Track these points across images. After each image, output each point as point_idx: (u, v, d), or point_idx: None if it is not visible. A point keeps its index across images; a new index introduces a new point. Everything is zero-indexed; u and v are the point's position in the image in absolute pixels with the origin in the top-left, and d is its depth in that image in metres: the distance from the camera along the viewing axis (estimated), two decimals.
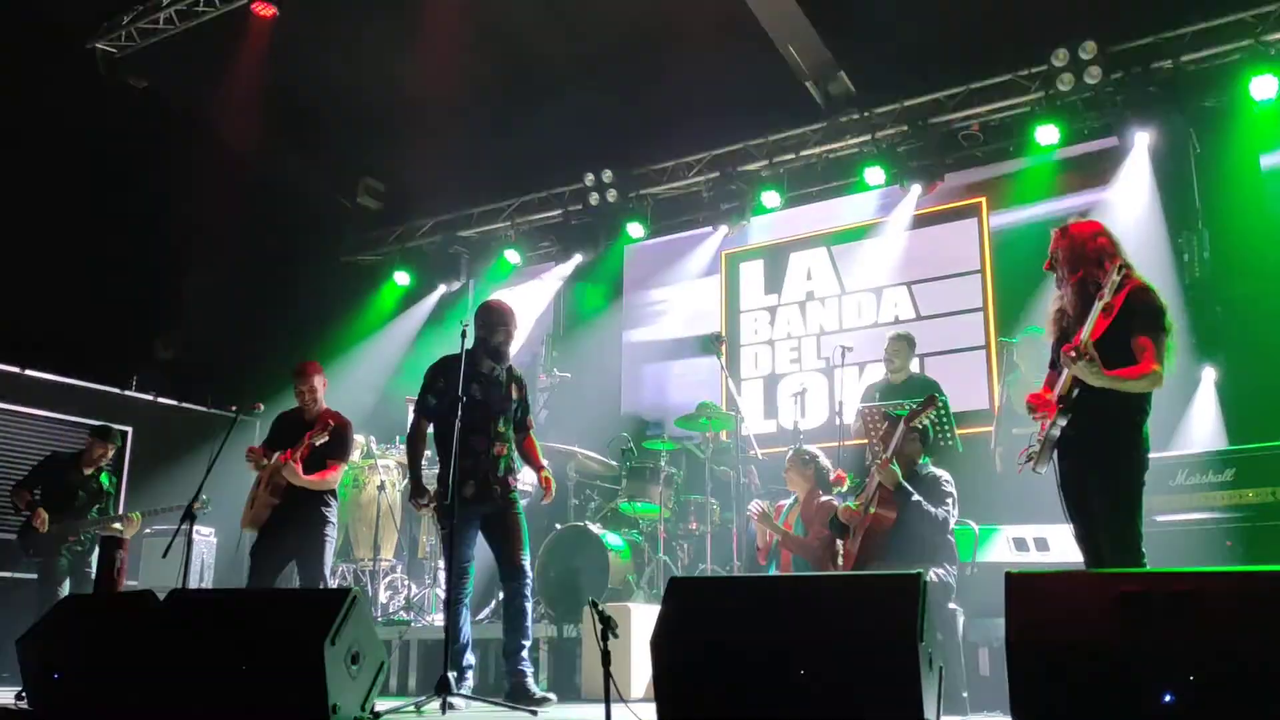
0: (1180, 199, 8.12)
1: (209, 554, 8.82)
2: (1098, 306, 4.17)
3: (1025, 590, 3.21)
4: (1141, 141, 8.22)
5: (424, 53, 8.95)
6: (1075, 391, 4.19)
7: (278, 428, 6.63)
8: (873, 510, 5.77)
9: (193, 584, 7.93)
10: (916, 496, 5.71)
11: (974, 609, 5.84)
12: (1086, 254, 4.40)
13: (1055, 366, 4.50)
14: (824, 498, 6.63)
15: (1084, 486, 4.27)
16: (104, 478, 8.26)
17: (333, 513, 6.51)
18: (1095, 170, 8.58)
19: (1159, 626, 3.02)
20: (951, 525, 5.85)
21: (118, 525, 7.90)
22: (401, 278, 11.65)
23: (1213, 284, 7.73)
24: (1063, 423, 4.22)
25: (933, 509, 5.70)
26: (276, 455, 6.36)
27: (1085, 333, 4.12)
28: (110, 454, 8.28)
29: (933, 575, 5.64)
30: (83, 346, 9.71)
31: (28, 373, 9.40)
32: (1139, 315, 4.20)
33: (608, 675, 3.60)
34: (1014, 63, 8.70)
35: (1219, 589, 3.06)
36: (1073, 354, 4.07)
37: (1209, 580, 3.10)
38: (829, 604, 3.42)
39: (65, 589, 7.75)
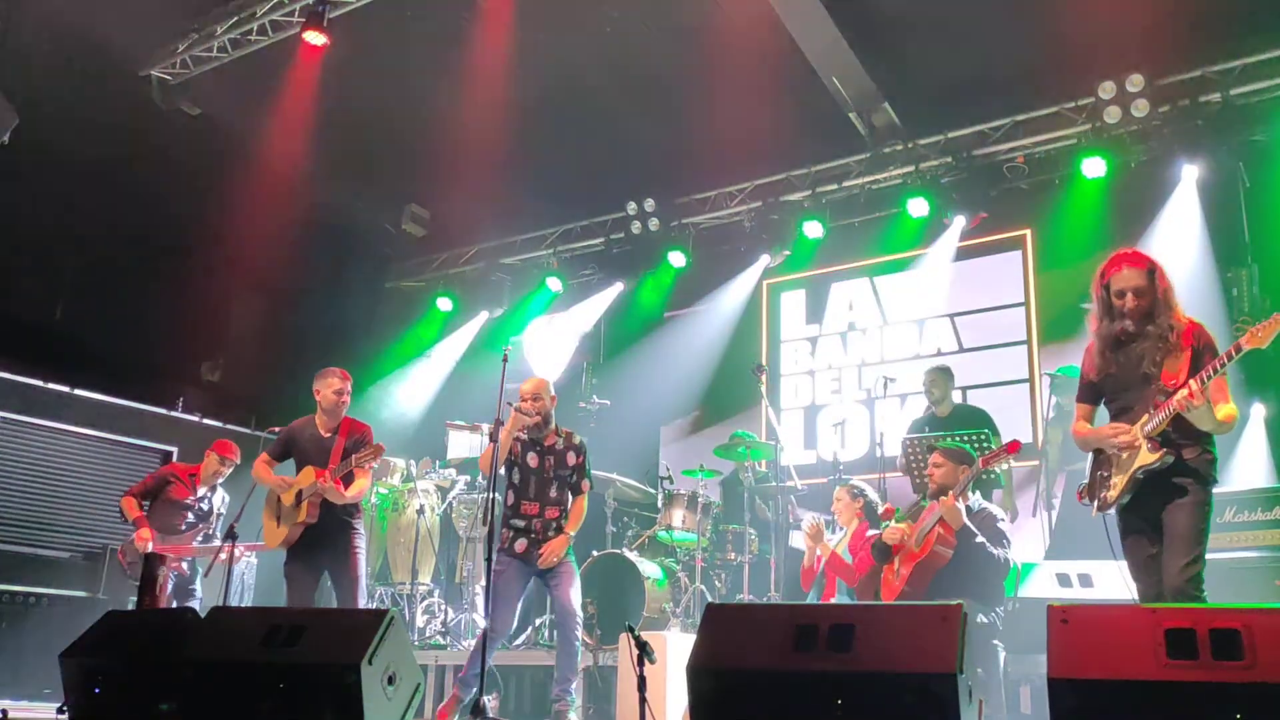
0: (1229, 233, 8.02)
1: (249, 574, 8.88)
2: (1181, 346, 4.25)
3: (1067, 625, 3.16)
4: (1189, 175, 8.16)
5: (470, 82, 9.05)
6: (1166, 430, 4.24)
7: (293, 441, 6.37)
8: (928, 546, 5.69)
9: (233, 603, 7.96)
10: (981, 539, 5.62)
11: (1015, 645, 5.76)
12: (1165, 290, 4.38)
13: (1095, 402, 4.56)
14: (872, 532, 6.56)
15: (1159, 521, 4.27)
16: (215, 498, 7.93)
17: (360, 523, 6.38)
18: (1143, 203, 8.49)
19: (1205, 664, 2.96)
20: (1010, 566, 5.78)
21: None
22: (444, 304, 11.76)
23: (1252, 320, 7.61)
24: (1156, 457, 4.22)
25: (994, 550, 5.62)
26: (313, 472, 6.13)
27: (1194, 380, 4.11)
28: (226, 473, 7.89)
29: (981, 618, 5.57)
30: (130, 367, 9.85)
31: (76, 392, 9.54)
32: (1209, 354, 4.24)
33: (643, 701, 3.59)
34: (1060, 95, 8.69)
35: (1267, 626, 2.99)
36: (1191, 398, 4.07)
37: (1256, 617, 3.04)
38: (869, 634, 3.38)
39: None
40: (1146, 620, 3.14)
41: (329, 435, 6.33)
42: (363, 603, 6.28)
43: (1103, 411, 4.62)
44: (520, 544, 5.96)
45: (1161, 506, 4.26)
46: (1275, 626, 3.02)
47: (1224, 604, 3.38)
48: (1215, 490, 4.30)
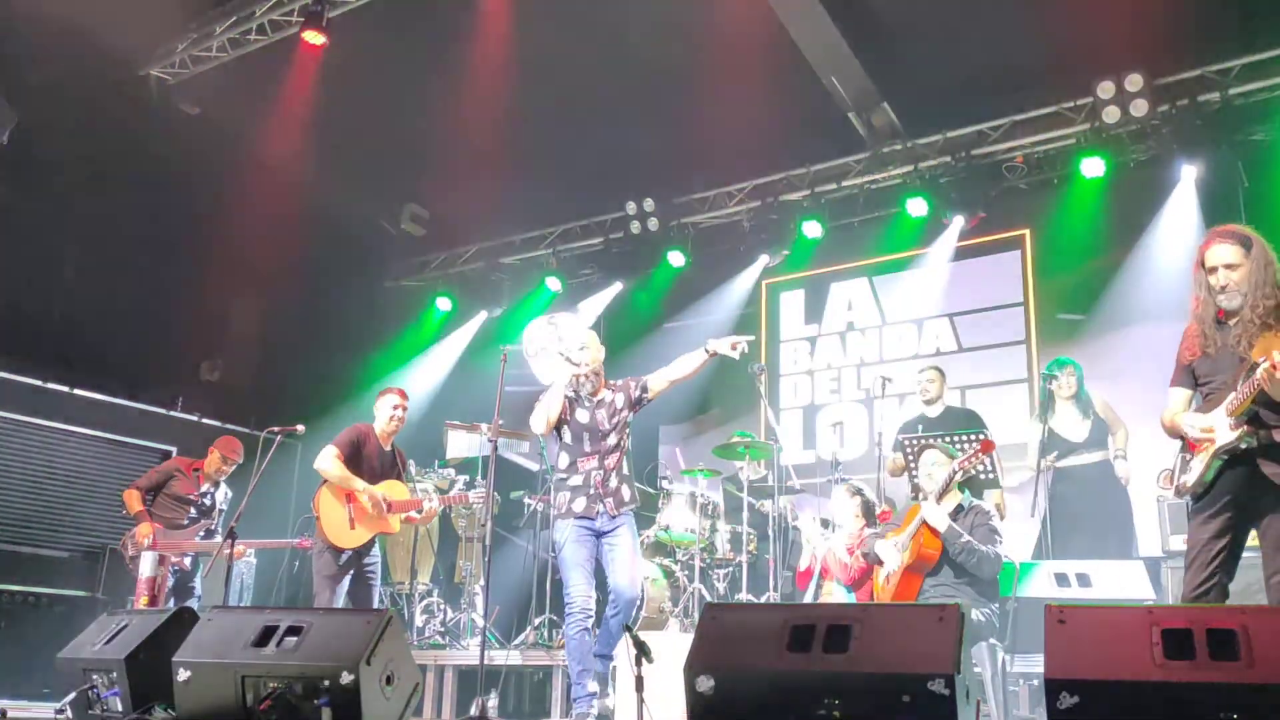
0: None
1: (248, 574, 8.87)
2: (1275, 326, 3.98)
3: (1064, 625, 3.16)
4: (1188, 175, 8.16)
5: (469, 81, 9.05)
6: (1255, 405, 3.97)
7: (361, 444, 6.58)
8: (913, 552, 5.70)
9: (231, 603, 7.96)
10: (967, 538, 5.61)
11: (1014, 645, 5.76)
12: (1267, 265, 4.10)
13: (1190, 386, 4.28)
14: (869, 531, 6.58)
15: (1240, 514, 4.06)
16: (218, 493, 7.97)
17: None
18: (1142, 203, 8.49)
19: (1202, 664, 2.96)
20: (1002, 562, 5.78)
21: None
22: (444, 303, 11.78)
23: None
24: (1236, 435, 3.99)
25: (983, 548, 5.61)
26: (405, 488, 6.61)
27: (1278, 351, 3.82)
28: (228, 472, 7.93)
29: (977, 615, 5.57)
30: (129, 367, 9.85)
31: (75, 392, 9.54)
32: None
33: (641, 701, 3.59)
34: (1059, 95, 8.69)
35: (1264, 627, 2.99)
36: (1275, 369, 3.77)
37: (1253, 618, 3.04)
38: (866, 634, 3.38)
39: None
40: (1144, 620, 3.14)
41: (389, 450, 6.68)
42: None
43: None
44: (580, 503, 5.57)
45: (1247, 498, 4.02)
46: (1272, 627, 3.02)
47: (1222, 604, 3.38)
48: None
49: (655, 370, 5.86)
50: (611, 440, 5.69)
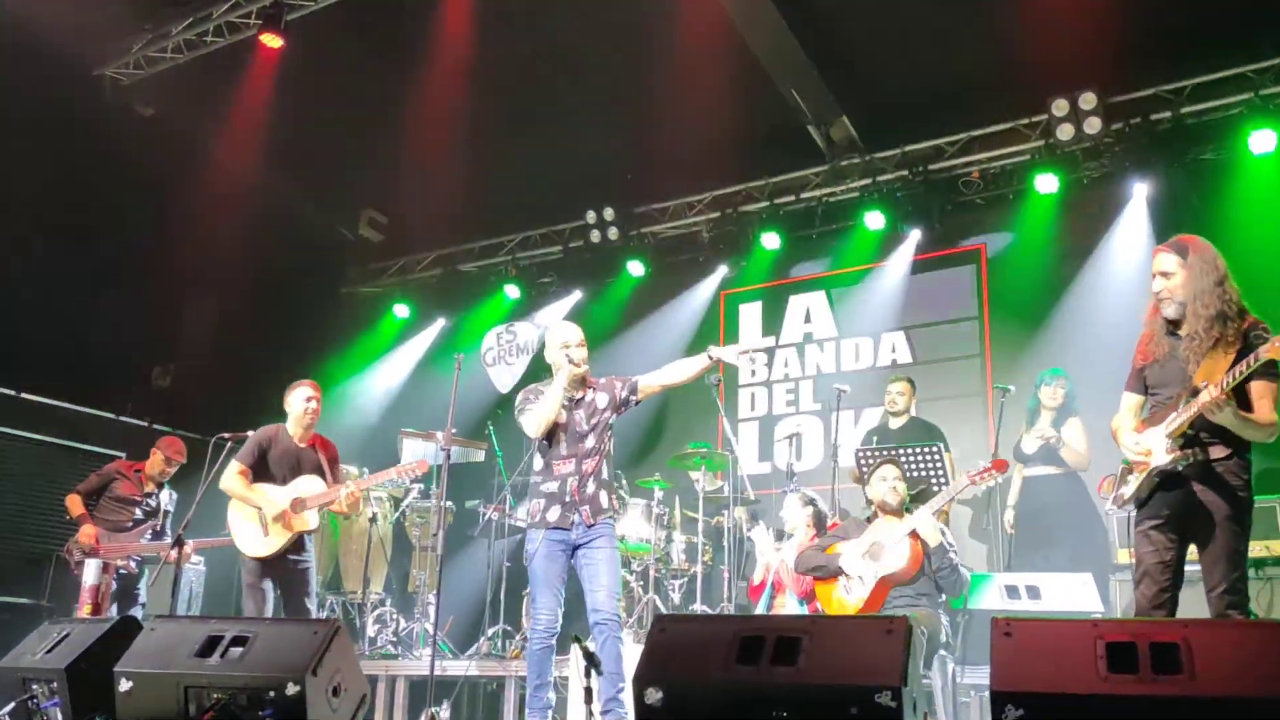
0: None
1: (198, 582, 8.76)
2: (1225, 344, 4.07)
3: (1011, 637, 3.18)
4: (1140, 192, 8.27)
5: (429, 87, 9.01)
6: (1193, 429, 4.08)
7: (268, 448, 6.33)
8: (899, 562, 5.71)
9: (180, 611, 7.85)
10: (954, 554, 5.66)
11: (964, 657, 5.80)
12: (1206, 274, 4.19)
13: (1140, 391, 4.38)
14: (818, 541, 6.59)
15: (1180, 530, 4.14)
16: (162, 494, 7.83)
17: (312, 540, 6.44)
18: (1095, 219, 8.60)
19: (1145, 677, 2.98)
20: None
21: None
22: (401, 310, 11.70)
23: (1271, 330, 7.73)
24: (1171, 458, 4.09)
25: (961, 567, 5.70)
26: (321, 481, 6.25)
27: (1228, 380, 3.95)
28: (171, 473, 7.80)
29: (943, 620, 5.65)
30: (78, 371, 9.69)
31: (23, 396, 9.37)
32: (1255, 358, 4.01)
33: (590, 713, 3.57)
34: (1014, 111, 8.79)
35: (1205, 640, 3.03)
36: (1213, 401, 3.91)
37: (1195, 631, 3.07)
38: (815, 646, 3.38)
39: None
40: (1088, 633, 3.16)
41: (305, 446, 6.40)
42: (314, 610, 6.26)
43: None
44: (554, 512, 5.27)
45: (1184, 517, 4.12)
46: (1214, 640, 3.05)
47: (1166, 618, 3.41)
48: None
49: (646, 373, 5.60)
50: (590, 442, 5.37)
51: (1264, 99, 7.71)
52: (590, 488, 5.31)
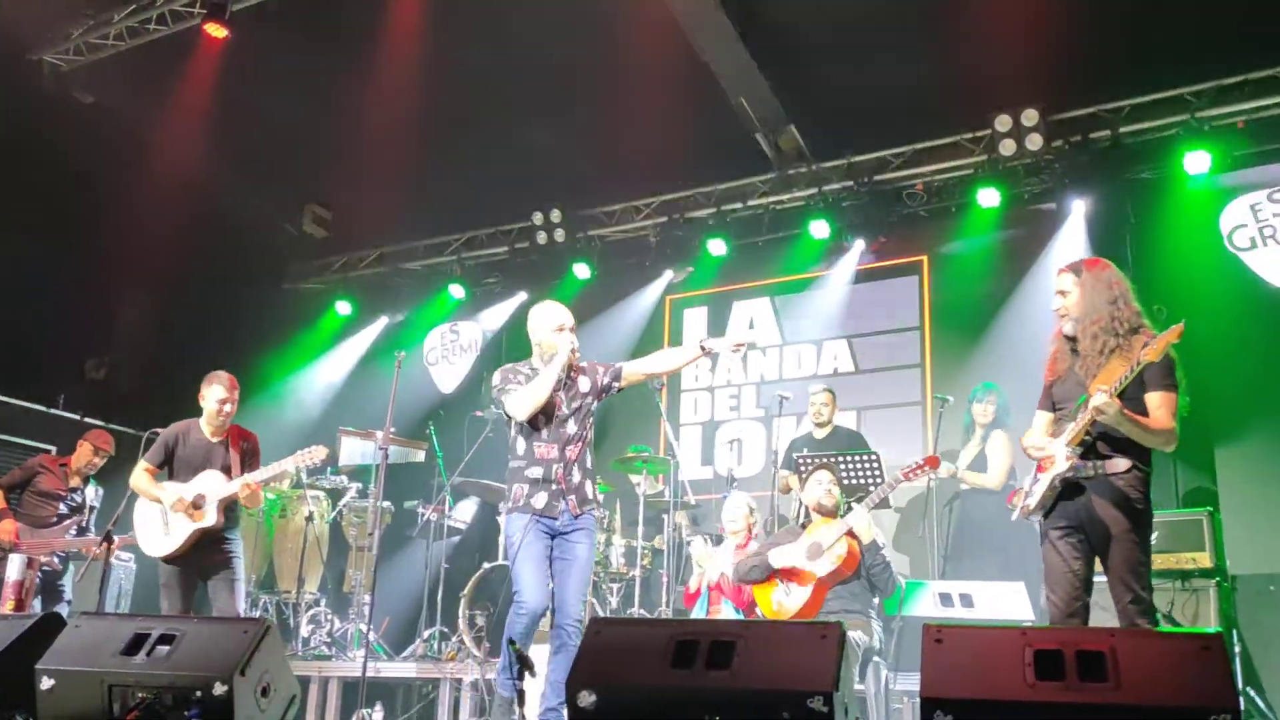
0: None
1: (127, 580, 8.59)
2: (1120, 355, 4.20)
3: (941, 644, 3.22)
4: (1079, 208, 8.41)
5: (377, 83, 8.93)
6: (1089, 438, 4.20)
7: (176, 445, 6.14)
8: (835, 563, 5.77)
9: (109, 609, 7.68)
10: (885, 551, 5.75)
11: (898, 663, 5.86)
12: (1099, 292, 4.34)
13: (1050, 408, 4.51)
14: (756, 545, 6.63)
15: (1084, 537, 4.25)
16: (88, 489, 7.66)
17: (239, 530, 6.25)
18: (1034, 234, 8.74)
19: (1071, 685, 3.03)
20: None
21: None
22: (343, 307, 11.56)
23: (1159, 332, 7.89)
24: (1069, 465, 4.20)
25: (888, 558, 5.80)
26: (220, 476, 6.02)
27: (1117, 384, 4.07)
28: (99, 464, 7.64)
29: (875, 629, 5.71)
30: (10, 362, 9.46)
31: None
32: (1155, 368, 4.16)
33: (522, 717, 3.55)
34: (959, 125, 8.90)
35: (1131, 649, 3.08)
36: (1104, 402, 4.01)
37: (1121, 640, 3.13)
38: (749, 651, 3.39)
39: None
40: (1017, 641, 3.21)
41: (218, 441, 6.19)
42: (242, 607, 6.13)
43: None
44: (540, 498, 5.09)
45: (1085, 527, 4.22)
46: (1139, 649, 3.11)
47: (1092, 627, 3.47)
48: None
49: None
50: (572, 428, 5.20)
51: (1199, 121, 7.88)
52: (576, 476, 5.18)
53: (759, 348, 9.98)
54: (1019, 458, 7.21)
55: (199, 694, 3.87)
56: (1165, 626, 4.15)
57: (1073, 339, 4.41)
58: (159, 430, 6.22)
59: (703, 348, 5.28)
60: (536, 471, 5.12)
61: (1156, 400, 4.17)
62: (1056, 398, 4.48)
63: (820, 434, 7.88)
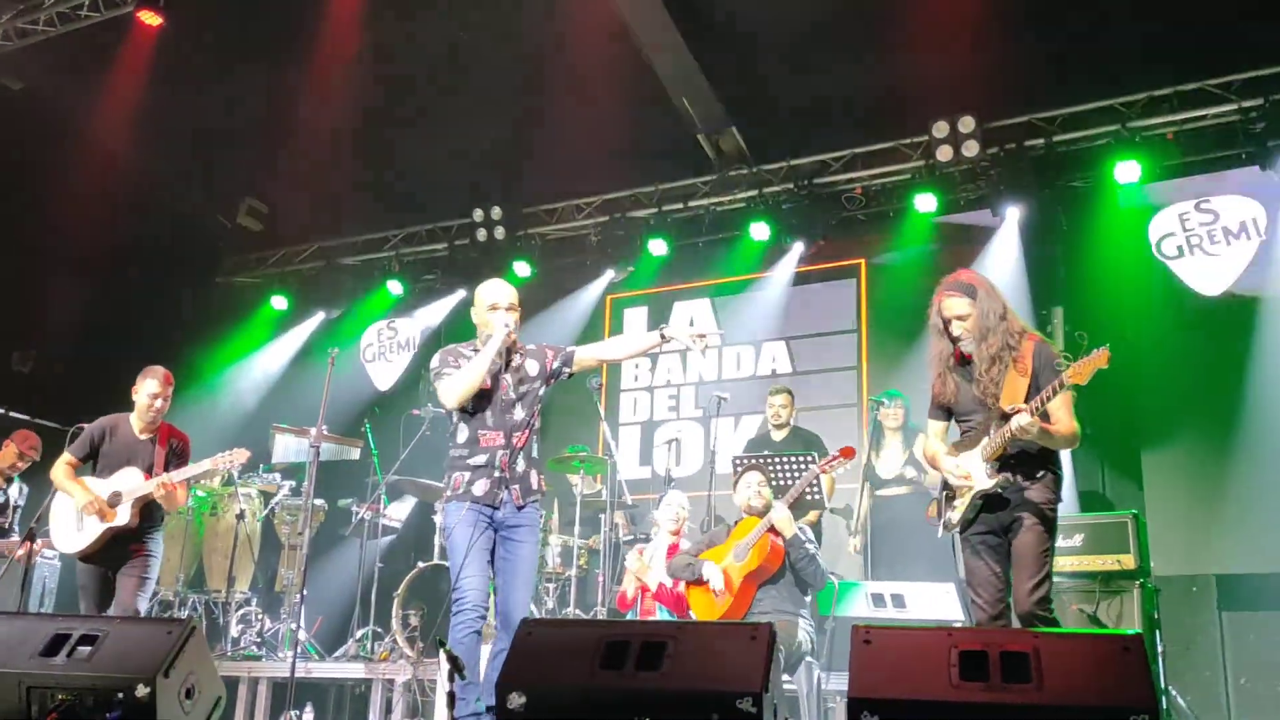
0: (1045, 274, 8.44)
1: (51, 578, 8.38)
2: (1020, 367, 4.33)
3: (870, 645, 3.25)
4: (1013, 215, 8.54)
5: (315, 76, 8.83)
6: (1006, 451, 4.32)
7: (102, 439, 5.97)
8: (757, 558, 5.82)
9: (32, 609, 7.50)
10: (809, 546, 5.80)
11: (830, 663, 5.91)
12: (993, 309, 4.45)
13: (945, 419, 4.65)
14: (685, 546, 6.65)
15: (1002, 542, 4.39)
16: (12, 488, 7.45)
17: (161, 530, 6.07)
18: (969, 240, 8.86)
19: (995, 685, 3.07)
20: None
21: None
22: (279, 302, 11.37)
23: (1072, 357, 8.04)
24: (993, 482, 4.32)
25: (814, 550, 5.85)
26: (139, 474, 5.83)
27: (1024, 398, 4.23)
28: (23, 468, 7.44)
29: (804, 629, 5.75)
30: None
31: None
32: (1048, 374, 4.30)
33: (453, 718, 3.53)
34: (897, 131, 8.99)
35: (1054, 650, 3.13)
36: (1028, 422, 4.13)
37: (1045, 641, 3.18)
38: (679, 652, 3.40)
39: None
40: (944, 642, 3.25)
41: (146, 438, 6.03)
42: (143, 607, 5.89)
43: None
44: (480, 485, 4.82)
45: (1004, 528, 4.36)
46: (1062, 650, 3.17)
47: (1017, 629, 3.52)
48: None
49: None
50: (519, 414, 4.92)
51: (1130, 131, 8.05)
52: (520, 465, 4.91)
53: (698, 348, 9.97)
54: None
55: (121, 696, 3.80)
56: (1086, 628, 4.24)
57: (965, 355, 4.52)
58: (85, 425, 6.07)
59: (663, 335, 5.10)
60: (480, 458, 4.85)
61: (1058, 403, 4.28)
62: (957, 411, 4.61)
63: (779, 435, 7.88)
